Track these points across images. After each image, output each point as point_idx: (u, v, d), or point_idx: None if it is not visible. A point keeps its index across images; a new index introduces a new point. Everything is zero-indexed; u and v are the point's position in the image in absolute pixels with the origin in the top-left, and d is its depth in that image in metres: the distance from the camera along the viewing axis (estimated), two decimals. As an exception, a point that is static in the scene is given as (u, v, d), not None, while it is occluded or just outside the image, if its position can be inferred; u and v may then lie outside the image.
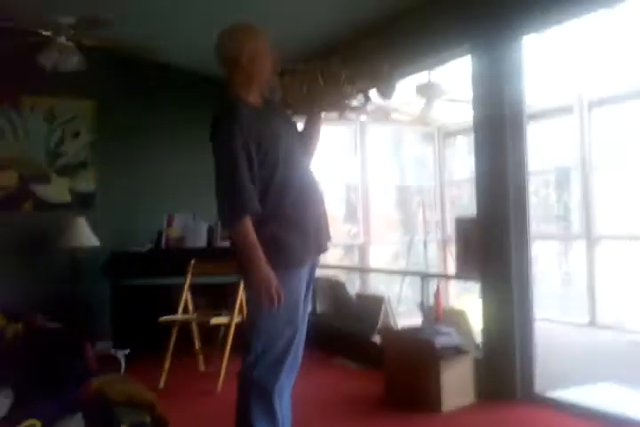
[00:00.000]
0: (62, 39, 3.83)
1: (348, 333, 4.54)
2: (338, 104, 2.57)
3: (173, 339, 3.91)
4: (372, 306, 4.46)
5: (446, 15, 3.65)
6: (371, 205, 6.35)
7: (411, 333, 3.35)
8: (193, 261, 4.18)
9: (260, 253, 2.19)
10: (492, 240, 3.40)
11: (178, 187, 5.36)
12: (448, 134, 6.88)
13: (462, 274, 3.63)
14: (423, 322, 3.84)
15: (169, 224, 4.98)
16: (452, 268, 6.19)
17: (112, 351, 4.44)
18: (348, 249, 6.43)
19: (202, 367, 4.19)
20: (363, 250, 6.32)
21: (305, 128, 2.60)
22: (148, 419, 2.36)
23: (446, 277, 3.86)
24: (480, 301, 3.46)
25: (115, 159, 5.28)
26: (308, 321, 2.43)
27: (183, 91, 5.49)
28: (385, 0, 3.87)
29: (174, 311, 4.04)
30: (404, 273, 4.35)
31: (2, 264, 4.84)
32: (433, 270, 5.90)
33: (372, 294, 4.55)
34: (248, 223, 2.20)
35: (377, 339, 3.69)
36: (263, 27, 2.44)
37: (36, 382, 2.57)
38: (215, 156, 2.30)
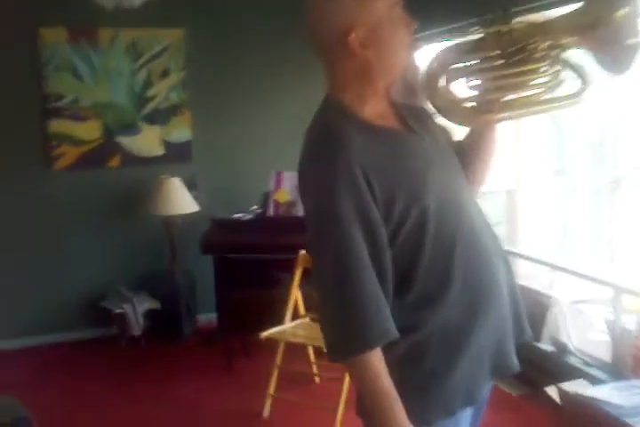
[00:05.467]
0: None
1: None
2: (534, 101, 1.44)
3: (279, 357, 3.11)
4: (533, 305, 3.42)
5: None
6: (521, 135, 5.07)
7: (604, 408, 2.30)
8: (302, 252, 3.28)
9: (397, 406, 1.22)
10: None
11: (289, 135, 4.34)
12: None
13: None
14: (613, 359, 2.80)
15: (277, 185, 4.06)
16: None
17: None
18: (490, 197, 5.24)
19: (317, 382, 3.44)
20: (511, 198, 5.14)
21: (469, 145, 1.53)
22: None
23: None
24: None
25: (211, 102, 4.33)
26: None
27: (295, 11, 4.34)
28: None
29: (281, 297, 3.25)
30: (587, 279, 3.21)
31: (88, 232, 4.21)
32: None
33: (537, 290, 3.47)
34: (375, 358, 1.22)
35: (553, 393, 2.72)
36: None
37: None
38: (309, 227, 1.30)
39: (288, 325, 3.17)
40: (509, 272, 1.44)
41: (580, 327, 3.58)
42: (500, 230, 5.02)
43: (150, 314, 4.10)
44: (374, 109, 1.35)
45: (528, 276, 4.50)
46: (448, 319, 1.30)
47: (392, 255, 1.26)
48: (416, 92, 1.50)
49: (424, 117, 1.49)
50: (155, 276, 4.24)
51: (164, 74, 4.22)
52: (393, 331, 1.23)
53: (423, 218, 1.28)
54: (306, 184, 1.32)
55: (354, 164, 1.22)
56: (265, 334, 3.03)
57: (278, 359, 3.10)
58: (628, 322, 2.89)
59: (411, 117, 1.43)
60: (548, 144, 4.71)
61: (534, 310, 3.37)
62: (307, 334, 3.08)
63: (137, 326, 4.03)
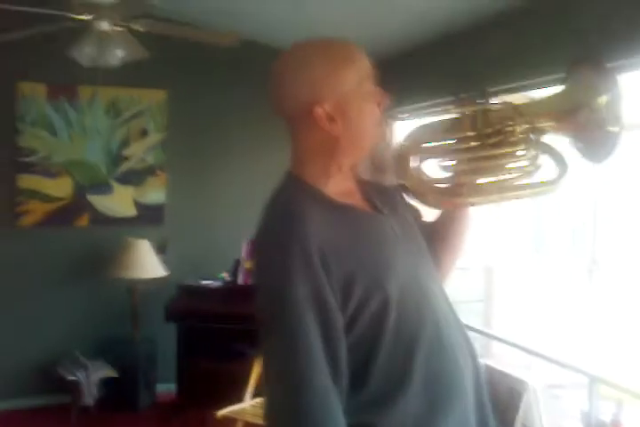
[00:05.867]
0: (104, 25, 2.79)
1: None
2: (509, 186, 1.36)
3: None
4: (506, 390, 3.26)
5: None
6: (500, 212, 5.02)
7: None
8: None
9: None
10: None
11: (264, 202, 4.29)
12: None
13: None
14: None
15: (250, 253, 3.93)
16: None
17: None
18: (468, 274, 5.12)
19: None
20: (489, 276, 5.05)
21: (440, 228, 1.44)
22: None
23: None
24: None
25: (187, 165, 4.26)
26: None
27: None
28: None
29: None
30: (562, 366, 3.06)
31: (48, 294, 4.02)
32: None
33: (509, 373, 3.32)
34: None
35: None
36: (352, 41, 1.26)
37: None
38: (259, 309, 1.18)
39: (249, 403, 2.98)
40: (476, 369, 1.31)
41: (555, 414, 3.42)
42: (477, 308, 4.91)
43: (106, 383, 3.87)
44: (338, 187, 1.26)
45: (503, 356, 4.36)
46: (404, 423, 1.16)
47: (347, 346, 1.14)
48: (385, 171, 1.41)
49: (392, 197, 1.40)
50: (115, 342, 4.03)
51: (143, 134, 4.16)
52: None
53: (384, 307, 1.17)
54: (259, 263, 1.21)
55: (311, 244, 1.12)
56: (222, 412, 2.84)
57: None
58: (604, 411, 2.75)
59: (378, 197, 1.34)
60: (527, 223, 4.69)
61: (507, 396, 3.21)
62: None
63: (90, 396, 3.79)
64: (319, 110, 1.19)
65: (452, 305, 1.35)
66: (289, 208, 1.20)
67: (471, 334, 3.63)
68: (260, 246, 1.22)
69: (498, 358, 4.17)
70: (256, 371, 3.08)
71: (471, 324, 3.65)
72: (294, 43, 1.27)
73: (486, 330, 3.72)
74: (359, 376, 1.15)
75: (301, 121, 1.22)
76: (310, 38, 1.27)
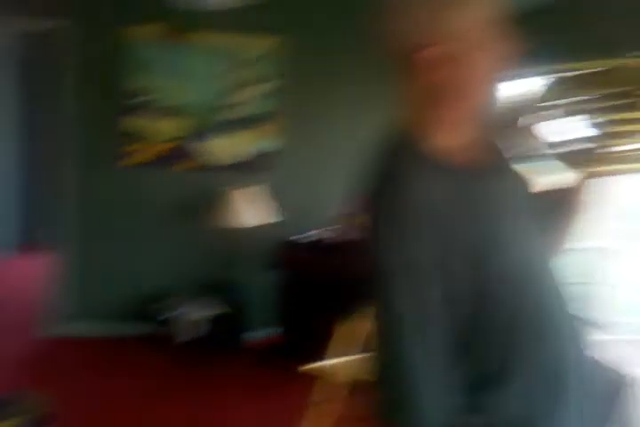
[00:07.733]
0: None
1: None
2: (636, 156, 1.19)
3: (319, 393, 2.87)
4: (604, 381, 3.04)
5: None
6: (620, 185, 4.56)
7: None
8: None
9: None
10: None
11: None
12: None
13: None
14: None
15: (361, 210, 3.81)
16: None
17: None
18: (578, 254, 4.67)
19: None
20: (602, 256, 4.62)
21: (551, 203, 1.31)
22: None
23: None
24: None
25: (301, 113, 4.17)
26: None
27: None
28: None
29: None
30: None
31: (154, 233, 4.15)
32: None
33: (612, 365, 3.08)
34: None
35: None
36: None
37: None
38: (374, 274, 1.08)
39: (344, 359, 2.92)
40: (581, 354, 1.18)
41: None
42: (586, 292, 4.60)
43: (207, 322, 3.95)
44: (456, 139, 1.13)
45: (609, 343, 4.09)
46: (512, 410, 1.07)
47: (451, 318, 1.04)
48: (497, 130, 1.26)
49: (506, 159, 1.26)
50: (217, 285, 4.09)
51: (255, 81, 4.09)
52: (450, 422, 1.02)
53: (494, 279, 1.06)
54: (372, 237, 1.09)
55: (424, 211, 1.02)
56: (305, 367, 2.82)
57: (317, 396, 2.87)
58: None
59: (494, 159, 1.21)
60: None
61: (608, 389, 3.00)
62: (358, 371, 2.82)
63: (190, 332, 3.90)
64: (424, 54, 1.06)
65: (561, 283, 1.21)
66: (398, 163, 1.10)
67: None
68: (371, 210, 1.10)
69: (602, 346, 3.91)
70: (342, 330, 3.02)
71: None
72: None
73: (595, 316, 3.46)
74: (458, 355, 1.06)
75: (408, 65, 1.10)
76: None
